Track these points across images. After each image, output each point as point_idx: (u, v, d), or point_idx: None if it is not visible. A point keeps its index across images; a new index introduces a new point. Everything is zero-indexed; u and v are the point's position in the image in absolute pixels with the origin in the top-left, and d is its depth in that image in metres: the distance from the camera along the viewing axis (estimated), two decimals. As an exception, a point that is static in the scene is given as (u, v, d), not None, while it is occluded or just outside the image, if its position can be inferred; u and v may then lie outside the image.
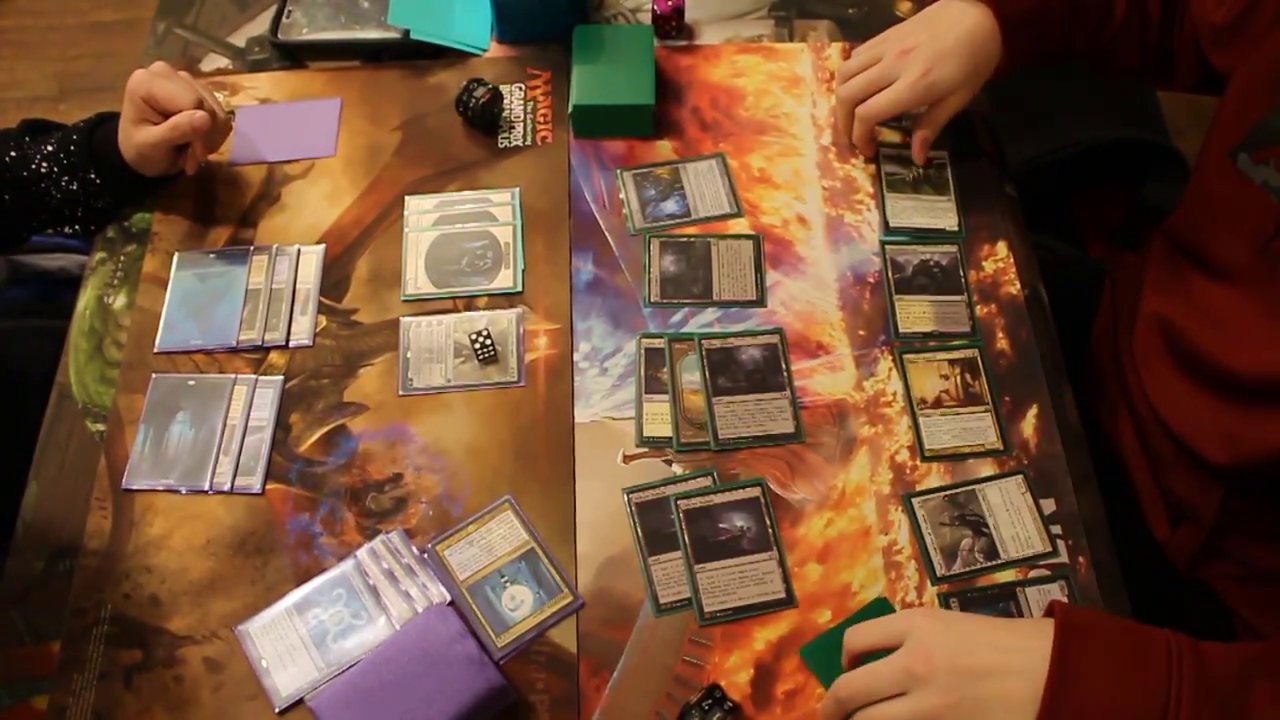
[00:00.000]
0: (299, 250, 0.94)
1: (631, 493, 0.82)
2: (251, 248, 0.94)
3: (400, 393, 0.87)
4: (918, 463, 0.83)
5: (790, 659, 0.76)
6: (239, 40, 1.08)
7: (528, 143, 1.00)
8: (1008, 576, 0.79)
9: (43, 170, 0.89)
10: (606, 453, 0.84)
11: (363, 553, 0.79)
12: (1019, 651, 0.58)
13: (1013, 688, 0.57)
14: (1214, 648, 0.58)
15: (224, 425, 0.85)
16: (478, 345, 0.87)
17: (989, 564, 0.79)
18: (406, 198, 0.96)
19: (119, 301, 0.92)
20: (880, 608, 0.76)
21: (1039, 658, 0.57)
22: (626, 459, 0.84)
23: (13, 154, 0.90)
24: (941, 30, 0.86)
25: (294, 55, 1.06)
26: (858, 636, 0.66)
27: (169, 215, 0.96)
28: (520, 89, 1.03)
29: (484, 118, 0.99)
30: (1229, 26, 0.79)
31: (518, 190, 0.96)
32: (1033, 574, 0.79)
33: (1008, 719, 0.56)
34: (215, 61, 1.06)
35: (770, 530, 0.80)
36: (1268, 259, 0.76)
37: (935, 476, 0.83)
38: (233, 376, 0.87)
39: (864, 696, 0.62)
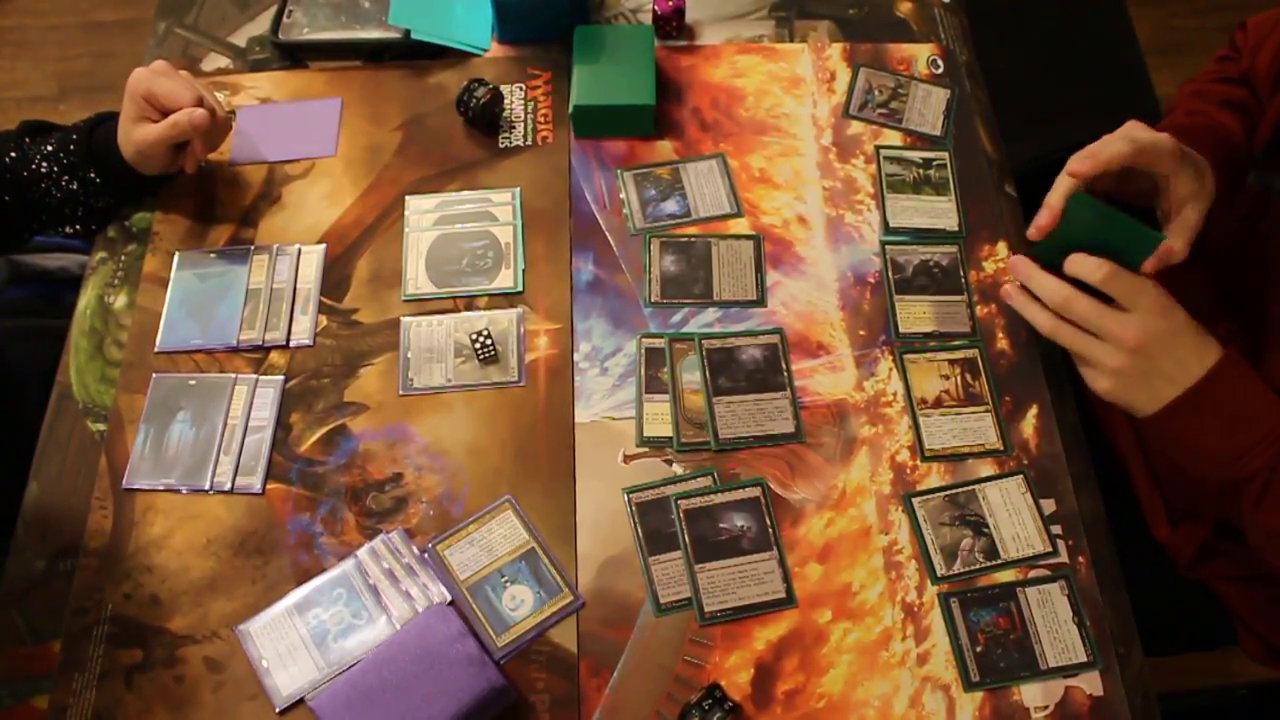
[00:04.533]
0: (299, 250, 0.93)
1: (632, 492, 0.82)
2: (252, 247, 0.94)
3: (401, 392, 0.87)
4: (918, 463, 0.84)
5: (791, 658, 0.76)
6: (240, 40, 1.08)
7: (528, 143, 1.00)
8: (1008, 576, 0.79)
9: (42, 170, 0.89)
10: (607, 452, 0.84)
11: (363, 552, 0.79)
12: (1186, 370, 0.73)
13: (1167, 390, 0.73)
14: None
15: (224, 425, 0.85)
16: (478, 345, 0.87)
17: (989, 564, 0.79)
18: (407, 197, 0.96)
19: (120, 301, 0.92)
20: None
21: (1193, 377, 0.72)
22: (627, 459, 0.84)
23: (12, 154, 0.90)
24: None
25: (294, 55, 1.06)
26: (1088, 266, 0.74)
27: (169, 215, 0.96)
28: (521, 89, 1.03)
29: (484, 118, 0.99)
30: (1270, 74, 0.81)
31: (518, 190, 0.96)
32: (1033, 574, 0.79)
33: (1164, 389, 0.73)
34: (216, 61, 1.06)
35: (770, 530, 0.80)
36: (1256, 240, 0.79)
37: (935, 476, 0.83)
38: (233, 376, 0.87)
39: (1078, 317, 0.74)
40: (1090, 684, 0.75)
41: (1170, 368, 0.72)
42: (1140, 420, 0.76)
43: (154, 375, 0.88)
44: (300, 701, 0.74)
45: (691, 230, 0.94)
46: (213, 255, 0.94)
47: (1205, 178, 0.77)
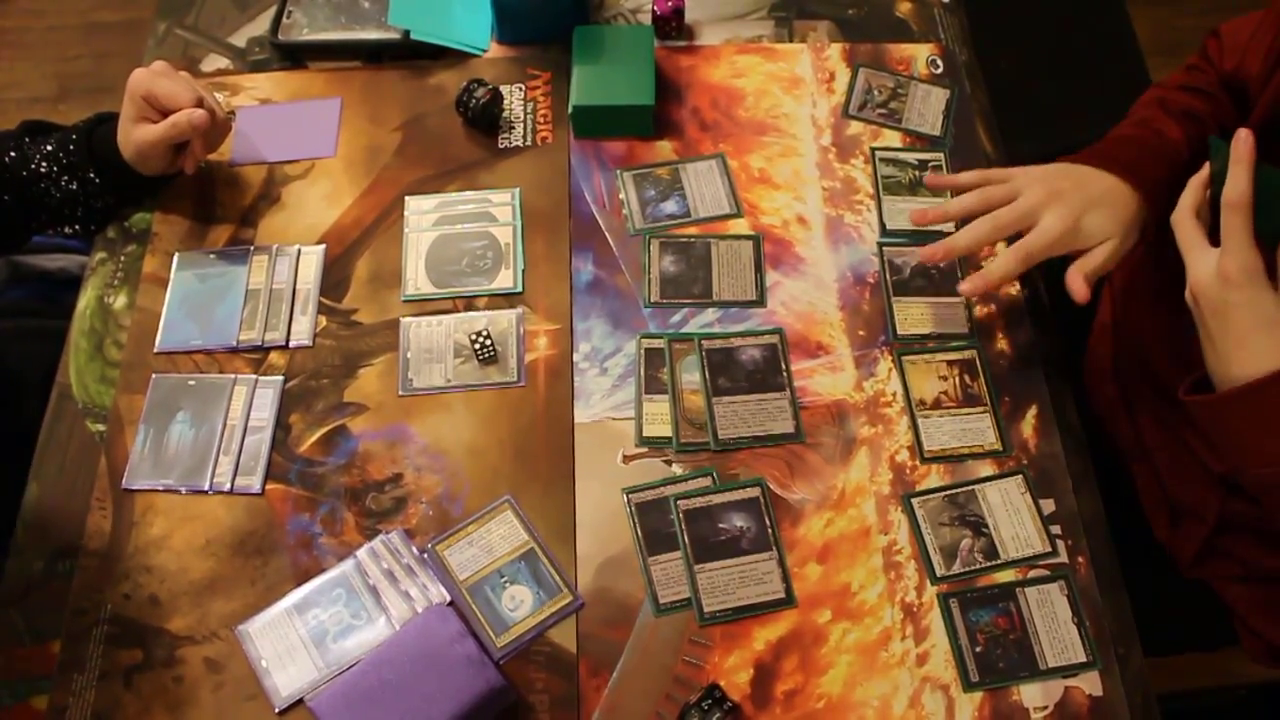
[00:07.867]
0: (299, 250, 0.94)
1: (631, 493, 0.82)
2: (252, 248, 0.94)
3: (400, 393, 0.87)
4: (917, 463, 0.84)
5: (790, 658, 0.76)
6: (239, 40, 1.08)
7: (528, 143, 1.00)
8: (1007, 576, 0.79)
9: (42, 170, 0.89)
10: (606, 453, 0.84)
11: (362, 553, 0.79)
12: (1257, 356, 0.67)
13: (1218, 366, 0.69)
14: None
15: (224, 425, 0.85)
16: (478, 345, 0.87)
17: (989, 564, 0.79)
18: (406, 198, 0.96)
19: (119, 301, 0.92)
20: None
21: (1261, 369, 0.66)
22: (626, 459, 0.84)
23: (12, 154, 0.90)
24: (1085, 180, 0.82)
25: (294, 55, 1.06)
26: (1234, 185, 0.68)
27: (169, 215, 0.96)
28: (520, 89, 1.03)
29: (484, 118, 0.99)
30: (1262, 74, 0.81)
31: (518, 190, 0.96)
32: (1032, 574, 0.79)
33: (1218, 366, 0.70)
34: (215, 62, 1.06)
35: (770, 530, 0.80)
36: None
37: (935, 477, 0.83)
38: (233, 376, 0.88)
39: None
40: (1090, 684, 0.75)
41: (1230, 345, 0.68)
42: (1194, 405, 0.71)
43: (153, 376, 0.88)
44: (299, 702, 0.74)
45: (691, 230, 0.94)
46: (212, 256, 0.94)
47: (1120, 215, 0.79)
